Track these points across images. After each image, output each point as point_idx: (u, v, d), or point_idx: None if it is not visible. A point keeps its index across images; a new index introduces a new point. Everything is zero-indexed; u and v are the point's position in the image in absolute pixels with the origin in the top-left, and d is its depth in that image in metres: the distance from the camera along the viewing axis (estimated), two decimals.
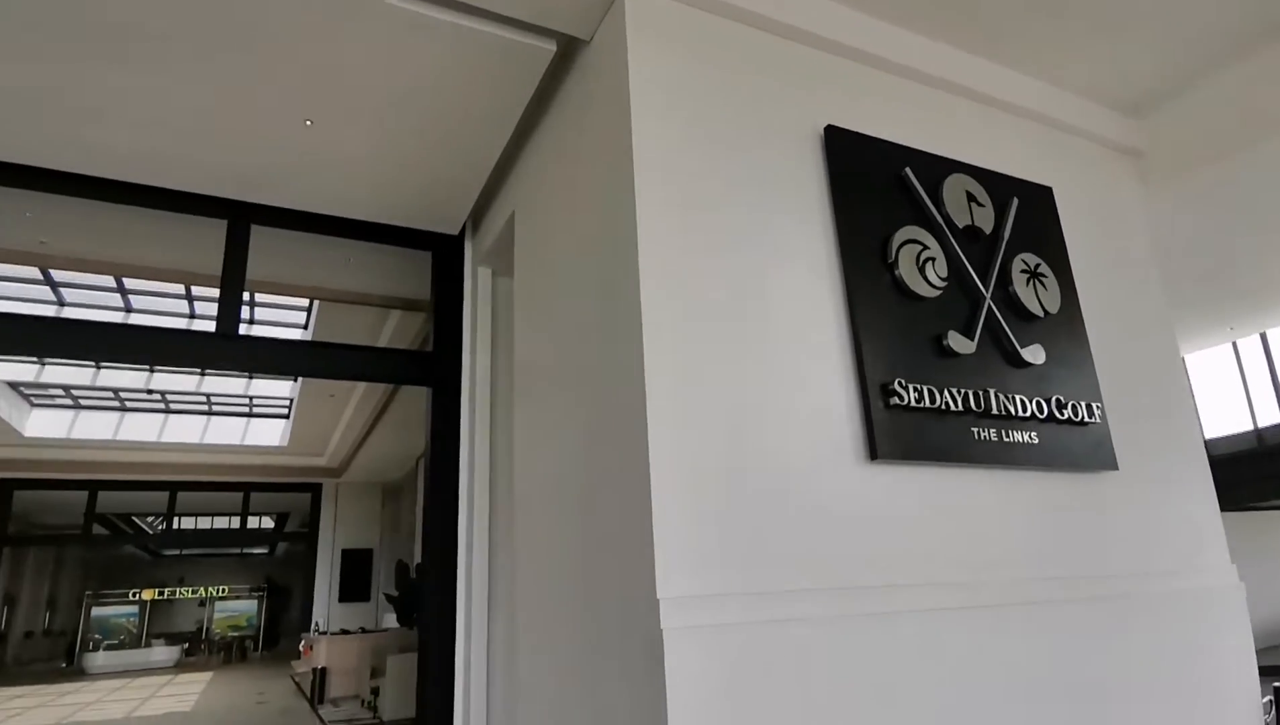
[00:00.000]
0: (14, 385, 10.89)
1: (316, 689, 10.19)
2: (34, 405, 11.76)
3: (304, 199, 3.97)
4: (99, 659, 17.98)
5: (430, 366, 4.20)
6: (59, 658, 19.72)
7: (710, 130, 2.41)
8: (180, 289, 7.67)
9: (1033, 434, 2.62)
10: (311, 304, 7.49)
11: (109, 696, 12.33)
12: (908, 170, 2.68)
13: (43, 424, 11.86)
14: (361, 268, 4.91)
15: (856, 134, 2.65)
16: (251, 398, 11.96)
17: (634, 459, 2.03)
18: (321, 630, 12.63)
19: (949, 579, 2.31)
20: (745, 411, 2.15)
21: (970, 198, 2.82)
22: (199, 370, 10.67)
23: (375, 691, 8.68)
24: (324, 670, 10.26)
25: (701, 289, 2.21)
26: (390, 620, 11.19)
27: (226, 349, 3.82)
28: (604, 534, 2.22)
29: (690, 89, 2.43)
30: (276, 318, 8.57)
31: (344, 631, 11.88)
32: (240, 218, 3.96)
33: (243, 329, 3.96)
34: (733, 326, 2.22)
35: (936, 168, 2.78)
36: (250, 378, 11.23)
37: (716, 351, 2.17)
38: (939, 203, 2.72)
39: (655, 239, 2.18)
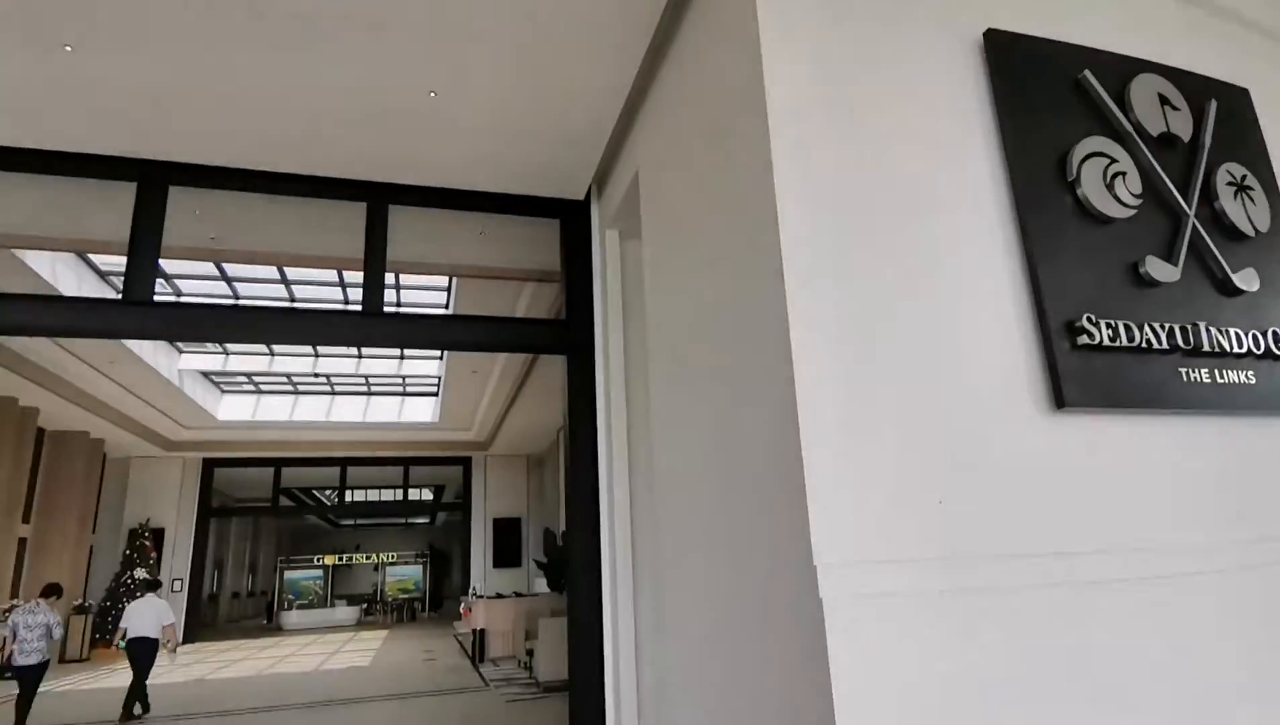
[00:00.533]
0: (206, 374, 12.17)
1: (477, 649, 10.80)
2: (224, 392, 13.14)
3: (434, 175, 4.06)
4: (293, 617, 20.13)
5: (564, 334, 4.19)
6: (260, 615, 22.38)
7: (849, 45, 2.16)
8: (333, 276, 8.22)
9: (1249, 373, 2.23)
10: (450, 283, 7.78)
11: (301, 651, 13.71)
12: (1087, 73, 2.30)
13: (232, 408, 13.26)
14: (494, 242, 4.98)
15: (1023, 36, 2.31)
16: (404, 377, 12.74)
17: (781, 415, 1.86)
18: (479, 594, 13.36)
19: (1150, 543, 1.99)
20: (904, 359, 1.93)
21: (1163, 100, 2.40)
22: (356, 352, 11.47)
23: (530, 653, 9.05)
24: (483, 632, 10.85)
25: (846, 227, 1.99)
26: (541, 585, 11.64)
27: (374, 326, 3.98)
28: (752, 496, 2.07)
29: None
30: (419, 300, 9.00)
31: (499, 595, 12.50)
32: (378, 198, 4.10)
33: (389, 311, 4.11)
34: (885, 266, 1.99)
35: (1121, 68, 2.38)
36: (401, 357, 11.95)
37: (868, 295, 1.95)
38: (1126, 108, 2.33)
39: (792, 175, 1.97)
